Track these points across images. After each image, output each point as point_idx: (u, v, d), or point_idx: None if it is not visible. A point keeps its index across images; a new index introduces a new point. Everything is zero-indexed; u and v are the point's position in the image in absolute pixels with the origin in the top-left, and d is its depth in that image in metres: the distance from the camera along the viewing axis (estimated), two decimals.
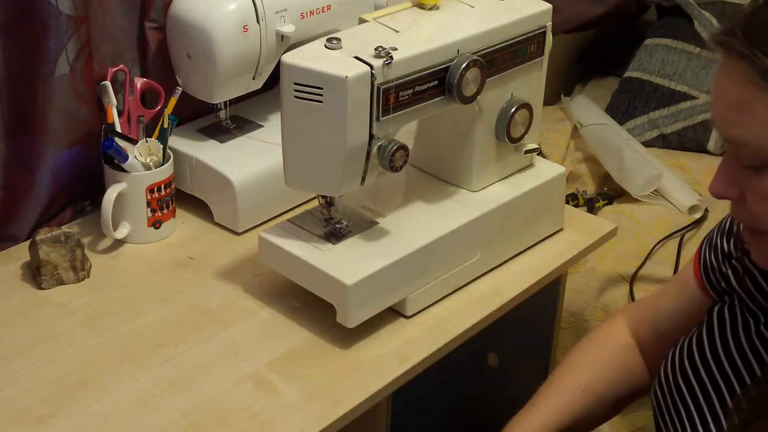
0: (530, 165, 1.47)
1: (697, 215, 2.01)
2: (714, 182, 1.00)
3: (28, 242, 1.37)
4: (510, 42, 1.33)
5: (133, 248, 1.44)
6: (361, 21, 1.29)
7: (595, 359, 1.30)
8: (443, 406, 1.46)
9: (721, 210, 2.02)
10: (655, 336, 1.28)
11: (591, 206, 2.02)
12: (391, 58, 1.19)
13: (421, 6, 1.32)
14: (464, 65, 1.25)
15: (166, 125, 1.44)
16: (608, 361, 1.30)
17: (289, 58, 1.20)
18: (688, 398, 1.09)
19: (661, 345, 1.24)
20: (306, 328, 1.28)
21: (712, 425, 1.06)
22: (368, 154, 1.23)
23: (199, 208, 1.51)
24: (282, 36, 1.47)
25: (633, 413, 1.84)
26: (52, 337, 1.25)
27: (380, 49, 1.19)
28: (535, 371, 1.67)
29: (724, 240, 1.18)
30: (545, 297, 1.55)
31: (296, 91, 1.19)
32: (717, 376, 1.07)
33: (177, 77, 1.49)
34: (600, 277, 1.89)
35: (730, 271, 1.14)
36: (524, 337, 1.58)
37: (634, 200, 2.04)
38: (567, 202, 1.60)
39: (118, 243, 1.44)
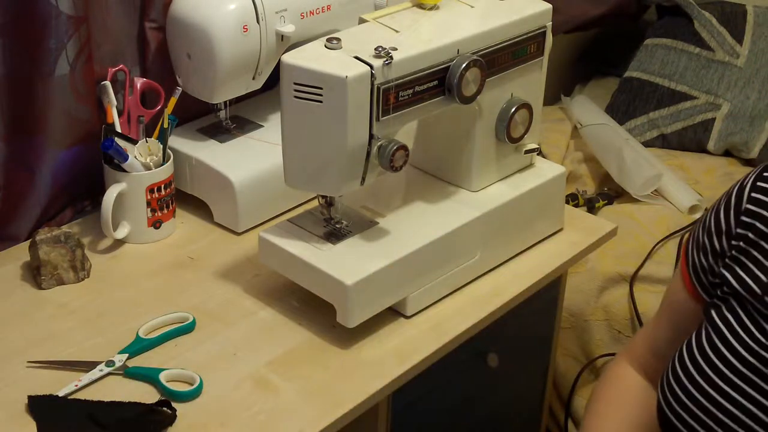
0: (530, 165, 1.47)
1: (697, 215, 2.00)
2: None
3: (28, 242, 1.37)
4: (510, 42, 1.33)
5: (133, 248, 1.44)
6: (361, 21, 1.29)
7: (615, 414, 1.26)
8: (443, 406, 1.46)
9: None
10: (662, 364, 1.23)
11: (591, 206, 2.01)
12: (391, 58, 1.19)
13: (421, 6, 1.32)
14: (464, 65, 1.25)
15: (166, 125, 1.44)
16: (629, 411, 1.26)
17: (289, 58, 1.20)
18: (709, 405, 1.07)
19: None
20: (306, 328, 1.28)
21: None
22: (368, 154, 1.23)
23: (199, 208, 1.51)
24: (282, 36, 1.47)
25: None
26: (52, 337, 1.26)
27: (380, 49, 1.19)
28: (535, 371, 1.68)
29: (713, 238, 1.13)
30: (545, 297, 1.55)
31: (296, 91, 1.19)
32: (737, 382, 1.05)
33: (177, 77, 1.49)
34: (600, 277, 1.89)
35: (726, 273, 1.10)
36: (524, 337, 1.58)
37: (634, 200, 2.04)
38: (567, 202, 1.60)
39: (118, 243, 1.44)
